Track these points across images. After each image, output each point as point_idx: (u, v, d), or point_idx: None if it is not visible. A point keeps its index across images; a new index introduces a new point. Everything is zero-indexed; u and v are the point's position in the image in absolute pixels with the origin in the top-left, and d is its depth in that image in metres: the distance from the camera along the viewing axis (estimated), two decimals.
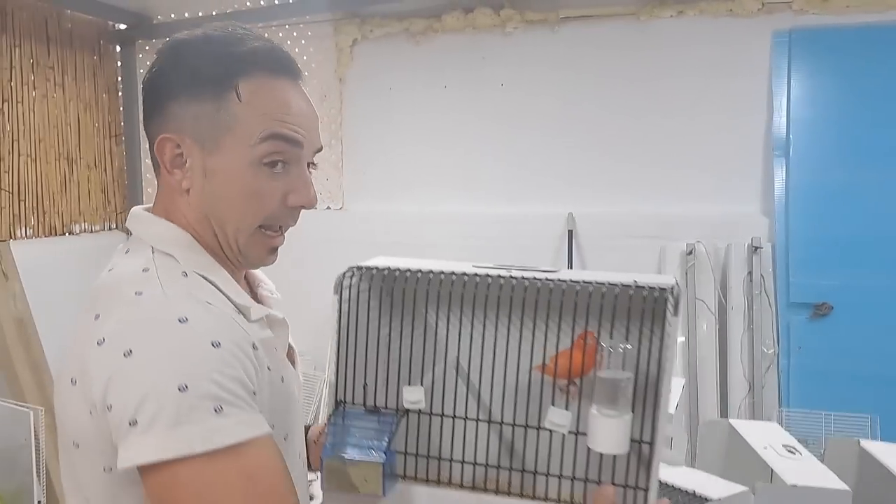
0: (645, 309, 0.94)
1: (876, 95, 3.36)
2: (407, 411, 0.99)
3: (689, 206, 3.63)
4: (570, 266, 3.67)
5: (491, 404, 1.03)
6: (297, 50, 4.18)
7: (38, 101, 3.83)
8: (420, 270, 0.98)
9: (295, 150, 0.98)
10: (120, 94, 4.41)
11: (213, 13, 4.18)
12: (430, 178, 4.07)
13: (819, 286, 3.38)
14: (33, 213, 3.84)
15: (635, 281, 0.93)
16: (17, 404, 3.27)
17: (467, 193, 4.00)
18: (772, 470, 1.44)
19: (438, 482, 1.01)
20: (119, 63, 4.41)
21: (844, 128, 3.40)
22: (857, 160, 3.36)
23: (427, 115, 4.05)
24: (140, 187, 4.47)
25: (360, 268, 1.00)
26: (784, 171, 3.46)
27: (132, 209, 1.06)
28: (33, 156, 3.81)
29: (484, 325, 1.02)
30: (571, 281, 0.94)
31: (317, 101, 4.01)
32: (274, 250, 1.03)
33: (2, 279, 3.36)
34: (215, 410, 0.81)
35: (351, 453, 0.94)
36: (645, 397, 0.95)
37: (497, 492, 0.99)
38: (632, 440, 0.92)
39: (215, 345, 0.84)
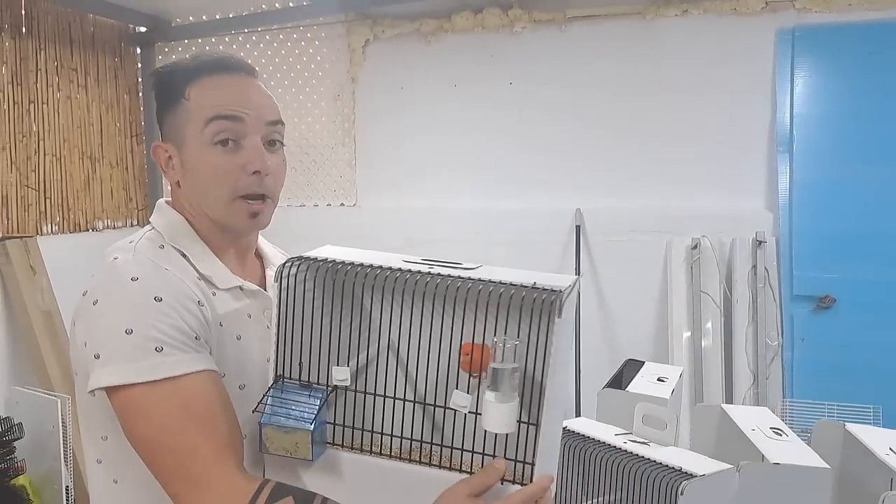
0: (544, 307, 1.05)
1: (878, 92, 3.41)
2: (335, 387, 1.12)
3: (695, 202, 3.69)
4: (577, 261, 3.75)
5: (416, 384, 1.16)
6: (310, 51, 4.29)
7: (63, 102, 3.93)
8: (353, 263, 1.10)
9: (238, 126, 1.17)
10: (140, 94, 4.52)
11: (230, 15, 4.26)
12: (441, 175, 4.15)
13: (822, 279, 3.44)
14: (58, 210, 3.95)
15: (535, 282, 1.04)
16: (45, 393, 3.41)
17: (477, 190, 4.07)
18: (758, 450, 1.51)
19: (361, 450, 1.13)
20: (139, 65, 4.52)
21: (847, 124, 3.45)
22: (860, 156, 3.42)
23: (438, 113, 4.13)
24: (160, 185, 4.57)
25: (300, 258, 1.12)
26: (788, 167, 3.51)
27: (158, 200, 1.29)
28: (58, 155, 3.92)
29: (412, 312, 1.14)
30: (479, 280, 1.06)
31: (330, 101, 4.18)
32: (255, 215, 1.20)
33: (30, 273, 3.48)
34: (156, 350, 1.04)
35: (284, 421, 1.08)
36: (533, 386, 1.07)
37: (410, 460, 1.13)
38: (520, 421, 1.05)
39: (157, 299, 1.07)
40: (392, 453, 1.14)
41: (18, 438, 3.14)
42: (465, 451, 1.12)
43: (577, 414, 3.52)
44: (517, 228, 3.89)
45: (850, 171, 3.44)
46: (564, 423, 1.55)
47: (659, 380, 1.90)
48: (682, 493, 1.30)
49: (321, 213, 4.32)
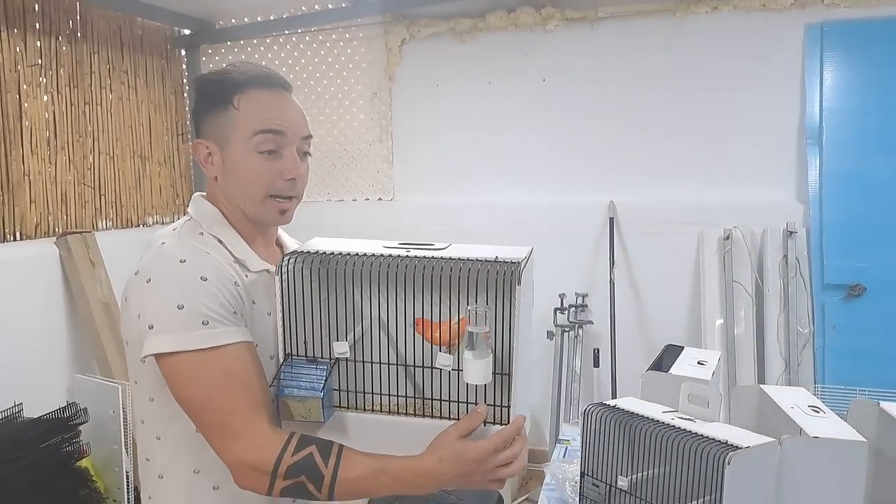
0: (506, 277, 1.25)
1: None
2: (337, 359, 1.32)
3: (727, 194, 3.76)
4: (611, 252, 3.84)
5: (401, 351, 1.36)
6: (349, 51, 4.40)
7: (115, 103, 4.09)
8: (339, 253, 1.31)
9: (280, 139, 1.36)
10: (185, 95, 4.66)
11: (272, 18, 4.40)
12: (476, 170, 4.24)
13: (852, 268, 3.50)
14: (112, 206, 4.11)
15: (497, 256, 1.26)
16: (105, 380, 3.54)
17: (512, 184, 4.16)
18: (798, 426, 1.60)
19: (364, 410, 1.35)
20: (184, 66, 4.66)
21: (875, 116, 3.50)
22: (889, 147, 3.47)
23: (473, 110, 4.22)
24: (204, 182, 4.68)
25: (297, 252, 1.33)
26: (817, 159, 3.57)
27: (194, 194, 1.48)
28: (111, 154, 4.08)
29: (396, 291, 1.35)
30: (449, 258, 1.27)
31: (368, 98, 4.31)
32: (283, 212, 1.40)
33: (90, 267, 3.64)
34: (203, 323, 1.23)
35: (297, 392, 1.28)
36: (503, 344, 1.28)
37: (406, 414, 1.35)
38: (495, 373, 1.27)
39: (203, 279, 1.25)
40: (390, 410, 1.35)
41: (84, 423, 3.25)
42: (452, 402, 1.32)
43: (614, 395, 3.63)
44: (551, 221, 3.98)
45: (878, 162, 3.49)
46: (614, 402, 1.67)
47: (699, 363, 2.01)
48: (728, 464, 1.39)
49: (359, 208, 4.44)
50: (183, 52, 4.65)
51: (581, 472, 1.73)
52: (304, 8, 4.31)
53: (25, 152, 3.55)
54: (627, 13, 3.86)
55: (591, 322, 3.96)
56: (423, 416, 1.34)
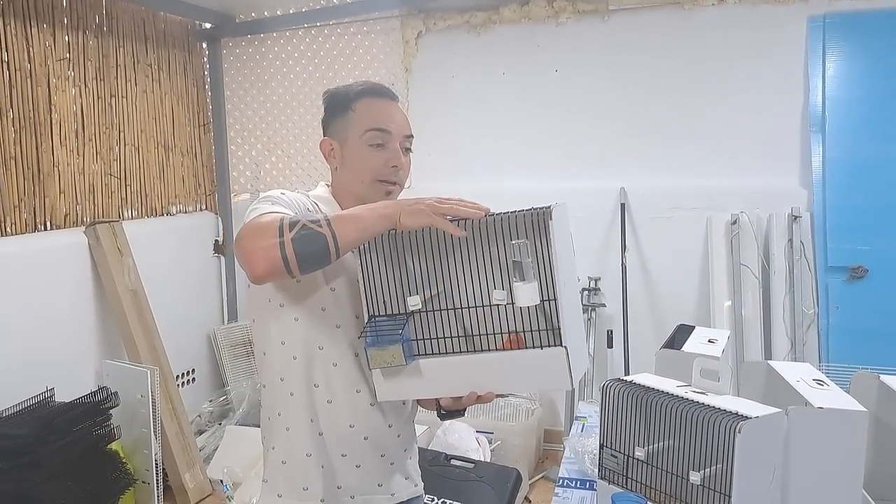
0: (541, 218, 1.44)
1: None
2: (411, 312, 1.53)
3: (733, 180, 3.83)
4: (623, 237, 3.93)
5: (459, 299, 1.55)
6: (366, 43, 4.48)
7: (139, 95, 4.17)
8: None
9: (386, 135, 1.63)
10: (207, 87, 4.76)
11: (291, 11, 4.48)
12: (491, 159, 4.33)
13: (854, 251, 3.59)
14: (137, 196, 4.20)
15: (532, 207, 1.45)
16: (134, 364, 3.62)
17: (525, 172, 4.23)
18: (803, 398, 1.70)
19: (432, 354, 1.54)
20: (205, 59, 4.76)
21: (876, 104, 3.58)
22: (889, 135, 3.55)
23: (487, 101, 4.30)
24: (227, 171, 4.81)
25: None
26: (821, 146, 3.65)
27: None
28: (136, 145, 4.17)
29: (453, 252, 1.54)
30: (495, 214, 1.46)
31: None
32: (388, 193, 1.65)
33: (118, 255, 3.73)
34: (271, 203, 1.52)
35: (381, 342, 1.48)
36: (546, 274, 1.45)
37: (465, 352, 1.53)
38: (543, 299, 1.43)
39: (282, 193, 1.58)
40: (452, 350, 1.54)
41: (114, 406, 3.30)
42: (496, 334, 1.53)
43: (626, 373, 3.72)
44: None
45: (879, 149, 3.56)
46: (631, 377, 1.77)
47: (710, 341, 2.10)
48: (739, 433, 1.48)
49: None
50: (204, 45, 4.73)
51: (600, 444, 1.83)
52: (322, 2, 4.40)
53: (55, 144, 3.64)
54: (637, 6, 3.93)
55: (604, 305, 4.06)
56: (480, 350, 1.52)
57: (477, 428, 3.79)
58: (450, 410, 1.63)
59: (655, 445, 1.66)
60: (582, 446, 2.26)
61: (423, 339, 1.54)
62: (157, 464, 3.50)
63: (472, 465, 3.40)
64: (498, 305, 1.49)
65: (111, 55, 3.98)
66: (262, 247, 1.39)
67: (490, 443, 3.77)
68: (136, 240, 3.89)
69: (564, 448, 2.41)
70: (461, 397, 1.55)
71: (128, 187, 4.13)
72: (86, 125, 3.83)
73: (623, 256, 3.93)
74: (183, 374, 4.41)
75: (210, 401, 4.50)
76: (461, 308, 1.54)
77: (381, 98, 1.69)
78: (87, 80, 3.83)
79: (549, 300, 1.44)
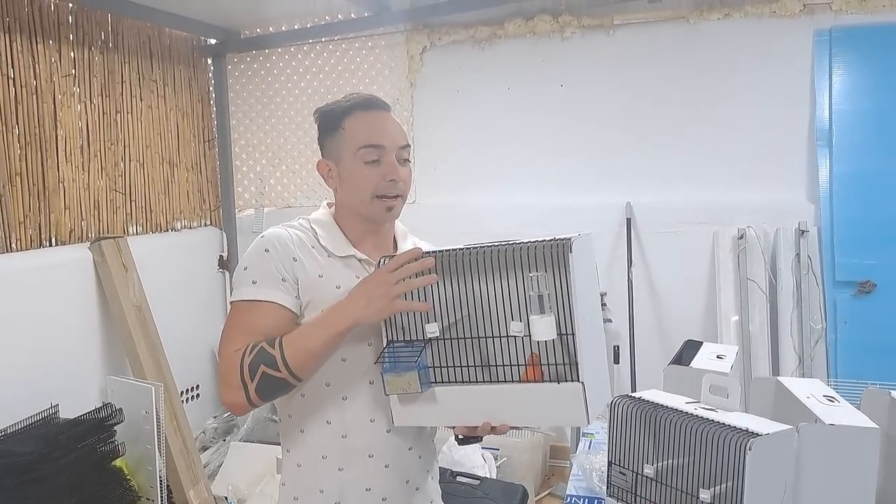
0: (559, 253, 1.44)
1: None
2: (429, 340, 1.52)
3: (740, 194, 3.82)
4: (629, 252, 3.92)
5: (476, 328, 1.55)
6: (371, 58, 4.49)
7: (145, 111, 4.18)
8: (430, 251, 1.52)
9: (380, 150, 1.61)
10: (212, 102, 4.77)
11: (296, 27, 4.50)
12: (496, 173, 4.32)
13: (862, 266, 3.56)
14: (142, 212, 4.20)
15: (554, 237, 1.44)
16: (138, 381, 3.60)
17: (531, 186, 4.23)
18: (814, 414, 1.68)
19: (449, 382, 1.54)
20: (211, 75, 4.76)
21: (884, 118, 3.56)
22: None
23: (492, 115, 4.29)
24: (232, 187, 4.81)
25: (386, 256, 1.56)
26: (828, 160, 3.63)
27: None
28: (141, 161, 4.17)
29: (472, 281, 1.54)
30: (514, 243, 1.47)
31: (389, 104, 4.35)
32: (390, 209, 1.64)
33: (122, 271, 3.72)
34: (253, 282, 1.55)
35: (398, 368, 1.48)
36: (564, 308, 1.44)
37: (481, 382, 1.53)
38: (560, 333, 1.43)
39: (266, 251, 1.57)
40: (468, 380, 1.53)
41: (119, 423, 3.29)
42: (512, 365, 1.52)
43: (633, 389, 3.71)
44: (570, 222, 3.96)
45: (887, 162, 3.54)
46: (639, 394, 1.76)
47: (718, 357, 2.09)
48: (750, 450, 1.47)
49: None
50: (209, 61, 4.74)
51: (609, 461, 1.81)
52: (327, 17, 4.41)
53: (60, 160, 3.65)
54: (642, 20, 3.93)
55: (610, 320, 4.04)
56: (497, 381, 1.52)
57: (482, 444, 3.77)
58: (467, 437, 1.60)
59: (665, 463, 1.65)
60: (590, 463, 2.25)
61: (441, 367, 1.53)
62: (161, 481, 3.47)
63: (478, 481, 3.37)
64: (516, 337, 1.49)
65: (116, 71, 3.99)
66: (231, 395, 1.50)
67: (496, 459, 3.75)
68: (140, 255, 3.88)
69: (571, 465, 2.40)
70: (475, 426, 1.54)
71: (133, 203, 4.13)
72: (91, 141, 3.84)
73: (629, 271, 3.91)
74: (187, 389, 4.39)
75: (214, 417, 4.48)
76: (479, 337, 1.54)
77: (370, 111, 1.66)
78: (93, 96, 3.84)
79: (566, 334, 1.44)
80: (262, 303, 1.54)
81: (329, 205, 1.74)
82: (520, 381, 1.48)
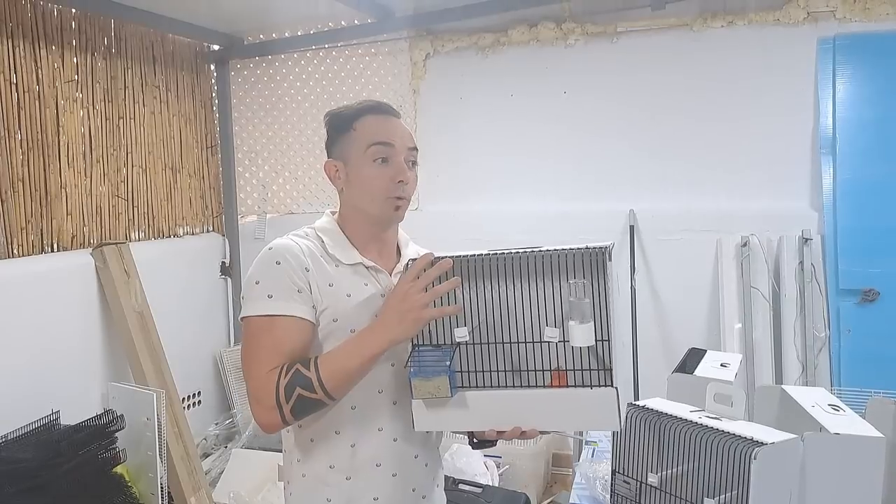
0: (597, 260, 1.44)
1: None
2: (458, 345, 1.51)
3: (743, 202, 3.81)
4: (632, 259, 3.91)
5: (507, 334, 1.52)
6: (374, 65, 4.49)
7: (147, 117, 4.19)
8: (449, 257, 1.49)
9: (389, 149, 1.62)
10: (214, 108, 4.78)
11: (299, 33, 4.51)
12: (499, 180, 4.31)
13: (866, 274, 3.54)
14: (144, 218, 4.21)
15: (587, 245, 1.45)
16: (140, 387, 3.60)
17: (534, 193, 4.22)
18: (819, 423, 1.67)
19: (478, 387, 1.52)
20: (214, 81, 4.78)
21: (887, 126, 3.55)
22: None
23: (495, 122, 4.29)
24: (234, 193, 4.82)
25: (412, 259, 1.54)
26: (831, 168, 3.62)
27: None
28: (144, 167, 4.18)
29: (504, 286, 1.52)
30: (550, 250, 1.46)
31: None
32: (398, 209, 1.64)
33: (124, 277, 3.72)
34: (268, 297, 1.53)
35: (427, 373, 1.46)
36: (601, 315, 1.43)
37: (512, 387, 1.50)
38: (596, 339, 1.42)
39: (277, 263, 1.54)
40: (488, 385, 1.51)
41: (120, 429, 3.28)
42: (544, 371, 1.49)
43: (636, 397, 3.70)
44: (573, 229, 4.01)
45: (891, 170, 3.54)
46: (643, 402, 1.75)
47: (722, 365, 2.08)
48: (755, 459, 1.47)
49: None
50: (212, 67, 4.76)
51: (612, 470, 1.81)
52: (330, 24, 4.42)
53: (62, 166, 3.66)
54: (646, 27, 3.93)
55: None
56: (528, 386, 1.50)
57: (485, 452, 3.76)
58: (482, 441, 1.60)
59: (669, 471, 1.65)
60: (593, 471, 2.24)
61: (469, 372, 1.52)
62: (162, 488, 3.47)
63: (481, 489, 3.36)
64: (548, 343, 1.48)
65: (119, 77, 4.00)
66: (266, 416, 1.50)
67: (498, 467, 3.74)
68: (143, 261, 3.88)
69: (574, 473, 2.38)
70: (496, 430, 1.53)
71: (135, 209, 4.14)
72: (93, 147, 3.84)
73: (632, 279, 3.91)
74: (189, 396, 4.39)
75: (216, 423, 4.48)
76: (509, 343, 1.52)
77: (382, 114, 1.67)
78: (96, 102, 3.85)
79: (602, 340, 1.44)
80: (282, 317, 1.53)
81: (332, 213, 1.74)
82: (549, 387, 1.48)
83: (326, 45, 4.52)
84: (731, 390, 1.69)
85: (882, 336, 3.52)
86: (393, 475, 1.63)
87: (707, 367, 2.06)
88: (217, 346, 4.69)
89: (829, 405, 1.79)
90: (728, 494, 1.51)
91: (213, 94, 4.78)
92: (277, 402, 1.47)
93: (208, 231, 4.74)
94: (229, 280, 4.76)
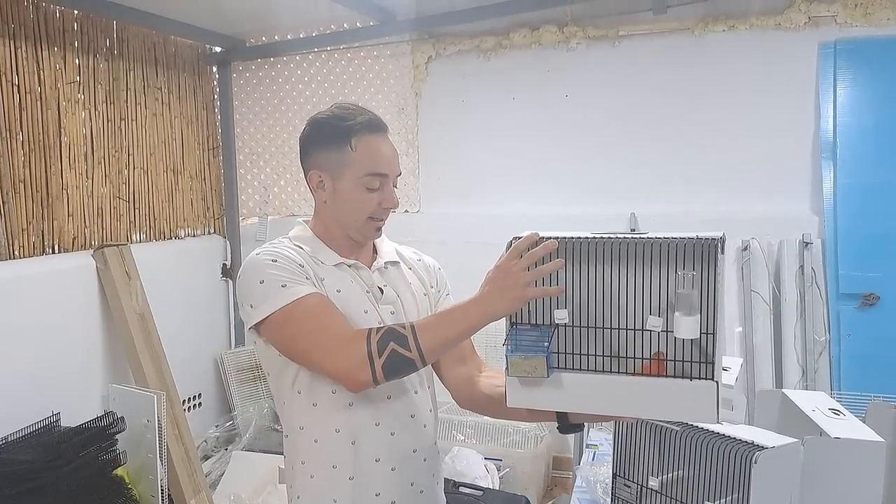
0: (707, 251, 1.37)
1: None
2: (557, 325, 1.47)
3: (744, 206, 3.82)
4: None
5: (607, 319, 1.48)
6: (376, 67, 4.50)
7: (149, 118, 4.19)
8: (555, 237, 1.43)
9: (384, 179, 1.64)
10: (216, 110, 4.78)
11: (301, 36, 4.51)
12: (500, 183, 4.32)
13: (866, 278, 3.55)
14: (146, 219, 4.21)
15: (697, 235, 1.37)
16: (140, 389, 3.59)
17: (536, 196, 4.22)
18: (819, 427, 1.68)
19: (577, 370, 1.48)
20: (216, 83, 4.78)
21: (888, 131, 3.56)
22: None
23: (497, 125, 4.29)
24: (236, 195, 4.81)
25: (517, 237, 1.47)
26: (832, 173, 3.63)
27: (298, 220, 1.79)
28: (145, 168, 4.18)
29: (607, 270, 1.46)
30: (658, 237, 1.40)
31: (395, 114, 4.41)
32: (378, 229, 1.69)
33: (125, 279, 3.72)
34: (282, 286, 1.53)
35: (525, 351, 1.43)
36: (709, 306, 1.38)
37: (604, 372, 1.47)
38: (701, 332, 1.38)
39: (273, 260, 1.57)
40: (597, 369, 1.48)
41: (121, 431, 3.28)
42: (643, 358, 1.46)
43: None
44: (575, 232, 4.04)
45: (891, 175, 3.55)
46: None
47: (723, 369, 2.09)
48: (755, 462, 1.48)
49: (388, 221, 4.45)
50: (214, 69, 4.76)
51: (613, 474, 1.82)
52: (332, 26, 4.43)
53: (64, 167, 3.65)
54: (647, 31, 3.93)
55: None
56: (619, 373, 1.47)
57: (485, 454, 3.76)
58: (574, 424, 1.57)
59: (670, 475, 1.67)
60: (594, 475, 2.25)
61: (566, 354, 1.50)
62: (162, 490, 3.46)
63: (481, 492, 3.37)
64: (650, 331, 1.45)
65: (121, 79, 4.00)
66: (355, 371, 1.48)
67: (499, 470, 3.74)
68: (144, 263, 3.87)
69: (575, 476, 2.39)
70: (589, 414, 1.53)
71: (136, 210, 4.13)
72: (95, 148, 3.84)
73: None
74: (189, 398, 4.38)
75: (216, 426, 4.48)
76: (608, 328, 1.50)
77: (378, 134, 1.67)
78: (97, 104, 3.85)
79: (707, 333, 1.41)
80: (309, 296, 1.54)
81: (305, 221, 1.76)
82: (646, 375, 1.45)
83: (328, 48, 4.53)
84: (731, 394, 1.70)
85: (882, 340, 3.53)
86: (392, 469, 1.64)
87: None
88: (218, 348, 4.69)
89: (830, 409, 1.79)
90: (728, 498, 1.52)
91: (215, 96, 4.77)
92: (369, 355, 1.46)
93: (209, 233, 4.74)
94: (230, 282, 4.76)
